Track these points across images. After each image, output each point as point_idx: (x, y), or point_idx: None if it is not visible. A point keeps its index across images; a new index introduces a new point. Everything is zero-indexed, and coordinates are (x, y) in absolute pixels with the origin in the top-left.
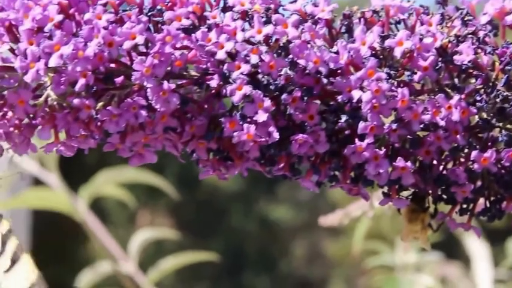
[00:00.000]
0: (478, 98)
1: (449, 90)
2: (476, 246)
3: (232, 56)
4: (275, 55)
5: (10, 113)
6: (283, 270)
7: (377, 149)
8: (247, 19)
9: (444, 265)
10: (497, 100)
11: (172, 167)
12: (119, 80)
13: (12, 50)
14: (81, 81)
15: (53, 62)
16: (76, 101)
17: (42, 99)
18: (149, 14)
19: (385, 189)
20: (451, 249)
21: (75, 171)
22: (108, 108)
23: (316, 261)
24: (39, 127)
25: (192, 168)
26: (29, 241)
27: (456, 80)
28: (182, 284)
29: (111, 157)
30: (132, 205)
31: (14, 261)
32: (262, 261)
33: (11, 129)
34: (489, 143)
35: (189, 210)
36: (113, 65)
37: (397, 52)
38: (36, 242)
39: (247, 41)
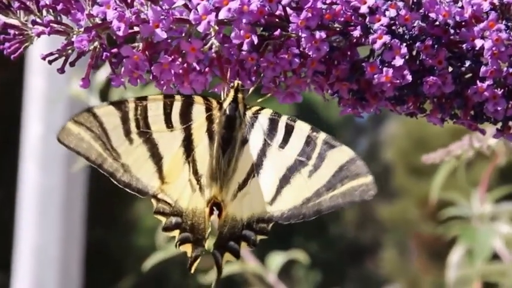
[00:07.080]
0: None
1: None
2: None
3: (372, 10)
4: (410, 9)
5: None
6: (333, 234)
7: (495, 90)
8: None
9: None
10: None
11: None
12: (277, 32)
13: (185, 5)
14: (247, 41)
15: (222, 14)
16: (242, 54)
17: (207, 46)
18: None
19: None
20: None
21: None
22: (267, 57)
23: (367, 226)
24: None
25: None
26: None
27: None
28: None
29: None
30: None
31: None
32: (313, 225)
33: (180, 71)
34: None
35: None
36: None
37: None
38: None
39: None
